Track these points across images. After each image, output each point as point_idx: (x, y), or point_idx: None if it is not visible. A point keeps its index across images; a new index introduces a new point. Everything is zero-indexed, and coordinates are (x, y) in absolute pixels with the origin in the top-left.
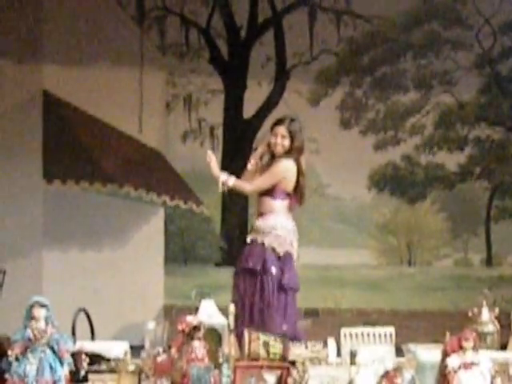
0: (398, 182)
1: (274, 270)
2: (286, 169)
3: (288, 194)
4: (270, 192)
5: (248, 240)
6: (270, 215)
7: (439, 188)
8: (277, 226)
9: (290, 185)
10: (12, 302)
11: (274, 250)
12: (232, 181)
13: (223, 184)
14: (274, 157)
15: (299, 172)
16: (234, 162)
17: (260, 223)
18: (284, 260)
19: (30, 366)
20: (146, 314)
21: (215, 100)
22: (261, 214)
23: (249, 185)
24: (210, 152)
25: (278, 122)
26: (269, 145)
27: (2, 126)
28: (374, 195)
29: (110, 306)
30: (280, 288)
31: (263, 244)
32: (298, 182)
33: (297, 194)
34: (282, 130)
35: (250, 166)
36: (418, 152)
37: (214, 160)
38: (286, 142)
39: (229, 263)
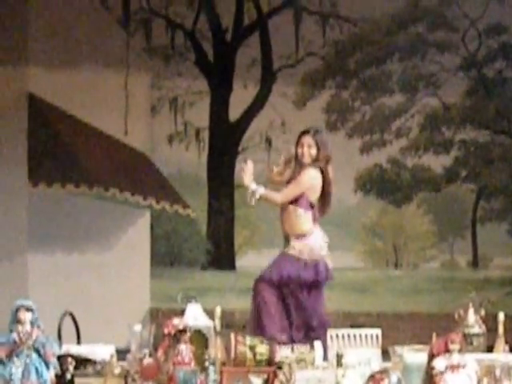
0: (384, 185)
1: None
2: (313, 177)
3: (311, 205)
4: (294, 201)
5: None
6: (307, 237)
7: (425, 190)
8: (315, 246)
9: (314, 194)
10: None
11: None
12: (261, 191)
13: (253, 194)
14: (301, 167)
15: (325, 181)
16: (219, 164)
17: (298, 244)
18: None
19: (16, 369)
20: (133, 317)
21: (201, 102)
22: (296, 236)
23: (278, 195)
24: (249, 161)
25: (304, 132)
26: (296, 156)
27: None
28: (361, 198)
29: (96, 309)
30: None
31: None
32: (323, 190)
33: (320, 204)
34: (308, 139)
35: (272, 173)
36: (404, 154)
37: (249, 169)
38: (313, 151)
39: (215, 266)
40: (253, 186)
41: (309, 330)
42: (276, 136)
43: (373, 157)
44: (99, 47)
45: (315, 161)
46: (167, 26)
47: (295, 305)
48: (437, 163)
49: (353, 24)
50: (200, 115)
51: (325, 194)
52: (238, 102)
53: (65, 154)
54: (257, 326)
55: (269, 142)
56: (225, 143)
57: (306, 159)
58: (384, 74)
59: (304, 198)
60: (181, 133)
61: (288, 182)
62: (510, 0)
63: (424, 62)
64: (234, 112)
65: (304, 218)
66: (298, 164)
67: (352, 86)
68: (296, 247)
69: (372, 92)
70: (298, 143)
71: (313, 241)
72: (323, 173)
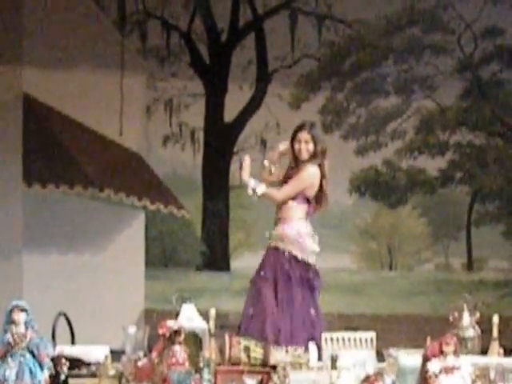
0: (379, 187)
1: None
2: (313, 175)
3: (308, 201)
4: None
5: (270, 246)
6: (291, 222)
7: (420, 193)
8: (300, 233)
9: (312, 190)
10: None
11: (296, 257)
12: (262, 188)
13: (253, 191)
14: (297, 162)
15: (322, 176)
16: (214, 165)
17: (282, 231)
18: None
19: (10, 370)
20: (127, 318)
21: (196, 104)
22: (280, 219)
23: (278, 193)
24: (247, 156)
25: (299, 128)
26: (292, 151)
27: None
28: (355, 200)
29: (91, 310)
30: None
31: (285, 252)
32: (321, 186)
33: (317, 200)
34: (304, 135)
35: (267, 163)
36: (399, 157)
37: (247, 165)
38: (310, 147)
39: (210, 267)
40: (251, 182)
41: (301, 329)
42: (271, 137)
43: (368, 159)
44: (94, 48)
45: (313, 156)
46: (162, 27)
47: (284, 301)
48: (432, 165)
49: (348, 26)
50: (195, 116)
51: (322, 189)
52: (233, 104)
53: (60, 154)
54: (248, 324)
55: (264, 143)
56: (220, 144)
57: (304, 155)
58: (379, 76)
59: (301, 193)
60: (176, 134)
61: (285, 179)
62: (505, 3)
63: (419, 64)
64: (230, 113)
65: (296, 208)
66: (294, 160)
67: (347, 87)
68: (281, 235)
69: (367, 94)
70: (293, 139)
71: (298, 230)
72: (320, 168)
